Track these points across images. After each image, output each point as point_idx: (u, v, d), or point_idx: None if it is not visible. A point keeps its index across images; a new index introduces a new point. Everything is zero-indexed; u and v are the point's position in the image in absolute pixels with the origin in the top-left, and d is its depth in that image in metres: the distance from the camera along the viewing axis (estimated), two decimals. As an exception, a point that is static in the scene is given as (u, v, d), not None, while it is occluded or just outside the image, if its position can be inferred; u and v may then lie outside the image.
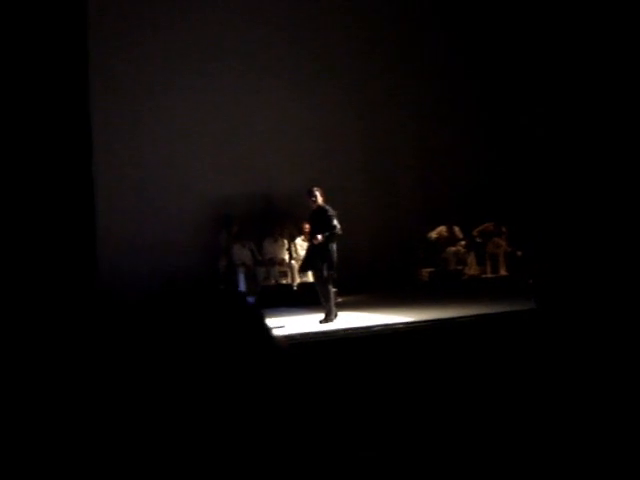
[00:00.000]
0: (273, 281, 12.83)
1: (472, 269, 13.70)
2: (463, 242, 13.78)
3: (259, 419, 1.40)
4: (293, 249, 13.13)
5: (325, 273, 9.95)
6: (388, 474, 2.83)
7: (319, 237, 9.86)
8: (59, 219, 10.91)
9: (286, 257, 13.06)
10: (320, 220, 9.99)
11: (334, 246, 9.95)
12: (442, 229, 13.85)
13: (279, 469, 1.45)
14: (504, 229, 13.86)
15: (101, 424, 1.45)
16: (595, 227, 12.00)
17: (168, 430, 1.41)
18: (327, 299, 9.98)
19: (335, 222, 9.89)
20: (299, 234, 12.99)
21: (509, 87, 14.24)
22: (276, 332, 1.49)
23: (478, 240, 13.87)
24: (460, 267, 13.61)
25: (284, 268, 12.99)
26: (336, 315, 10.03)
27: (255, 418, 1.40)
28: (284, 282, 12.90)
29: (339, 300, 11.43)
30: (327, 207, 10.02)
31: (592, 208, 12.56)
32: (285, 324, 9.92)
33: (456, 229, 13.86)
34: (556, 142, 13.65)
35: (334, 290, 10.48)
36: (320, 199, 10.04)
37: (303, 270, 11.31)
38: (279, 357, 1.41)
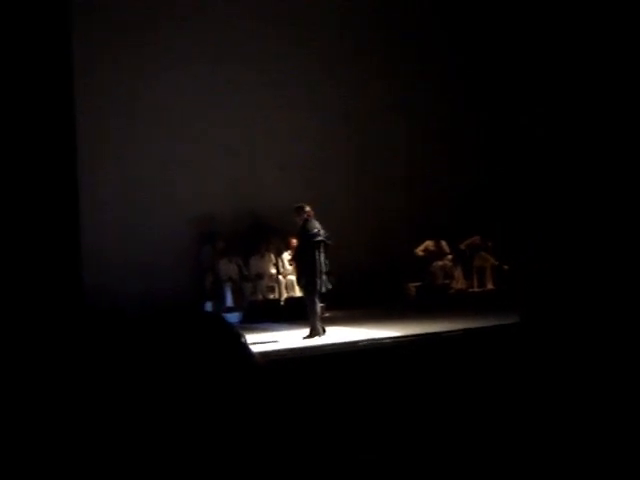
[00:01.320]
0: (260, 296, 12.79)
1: (459, 283, 13.70)
2: (450, 256, 13.77)
3: (238, 437, 1.39)
4: (280, 264, 13.10)
5: (309, 281, 9.91)
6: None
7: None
8: (43, 238, 10.84)
9: (273, 272, 13.03)
10: (305, 235, 10.02)
11: (318, 253, 9.93)
12: (429, 243, 13.82)
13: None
14: (490, 243, 13.87)
15: (78, 447, 1.43)
16: (594, 232, 11.97)
17: (146, 452, 1.39)
18: (313, 314, 9.96)
19: (314, 231, 9.89)
20: (286, 249, 12.96)
21: (509, 87, 14.22)
22: (254, 349, 1.48)
23: (462, 247, 13.84)
24: (447, 281, 13.61)
25: (271, 283, 12.95)
26: (324, 330, 10.00)
27: (234, 437, 1.39)
28: (271, 297, 12.86)
29: (326, 315, 11.40)
30: (311, 222, 10.01)
31: (591, 213, 12.52)
32: (272, 339, 9.88)
33: (443, 243, 13.84)
34: (556, 142, 13.62)
35: (321, 305, 10.45)
36: (306, 215, 10.04)
37: (299, 283, 11.21)
38: (257, 375, 1.40)
